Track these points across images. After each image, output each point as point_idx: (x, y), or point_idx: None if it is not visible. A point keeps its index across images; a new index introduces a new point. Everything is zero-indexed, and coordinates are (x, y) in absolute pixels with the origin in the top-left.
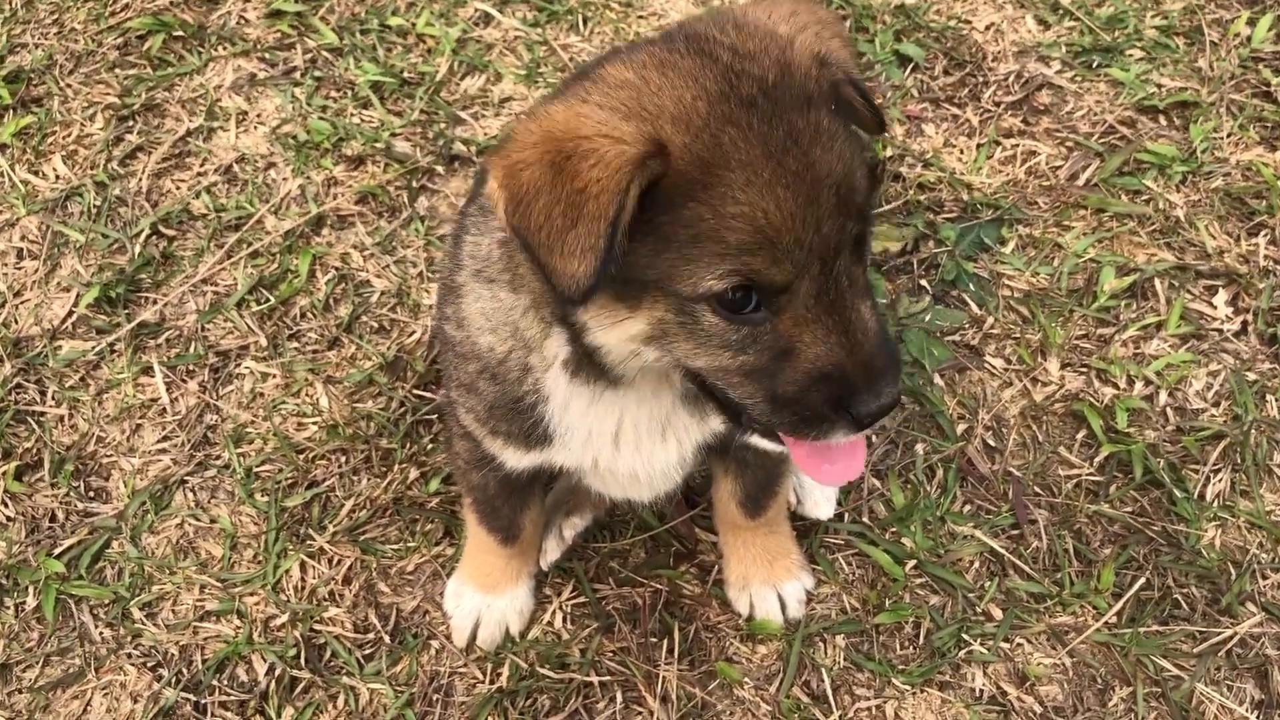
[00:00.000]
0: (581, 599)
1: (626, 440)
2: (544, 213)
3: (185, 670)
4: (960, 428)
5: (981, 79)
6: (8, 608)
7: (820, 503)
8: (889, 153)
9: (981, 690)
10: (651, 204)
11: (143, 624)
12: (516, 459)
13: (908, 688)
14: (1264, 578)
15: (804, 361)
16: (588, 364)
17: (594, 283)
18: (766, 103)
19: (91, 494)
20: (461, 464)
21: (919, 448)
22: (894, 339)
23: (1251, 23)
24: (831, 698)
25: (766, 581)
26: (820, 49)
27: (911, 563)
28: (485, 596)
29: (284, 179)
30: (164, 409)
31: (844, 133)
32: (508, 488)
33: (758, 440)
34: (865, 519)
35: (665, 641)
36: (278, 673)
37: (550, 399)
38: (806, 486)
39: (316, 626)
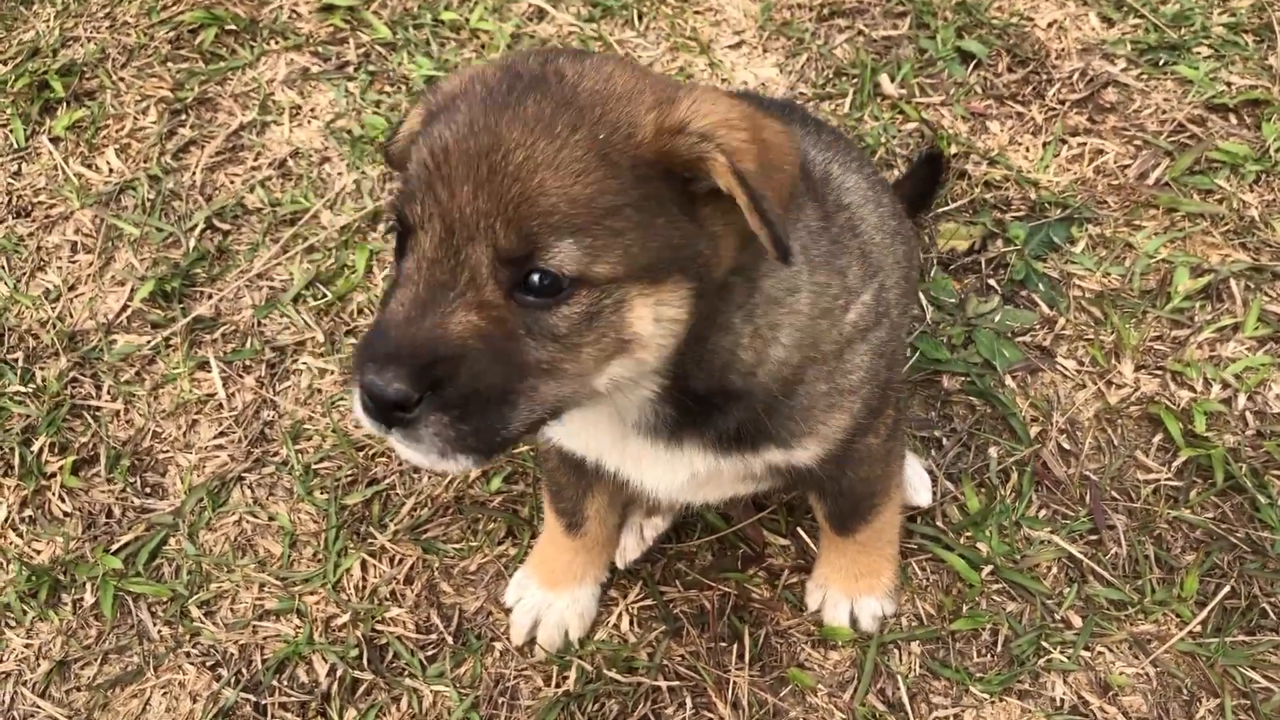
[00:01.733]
0: (649, 601)
1: (607, 455)
2: None
3: (245, 670)
4: (1033, 430)
5: (1045, 76)
6: (66, 604)
7: (919, 489)
8: (953, 150)
9: (1062, 699)
10: None
11: (201, 622)
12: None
13: (986, 696)
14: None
15: (381, 312)
16: None
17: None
18: (527, 89)
19: (148, 490)
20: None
21: (992, 451)
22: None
23: None
24: (908, 705)
25: (845, 592)
26: (706, 125)
27: (988, 568)
28: (547, 594)
29: (339, 174)
30: (220, 404)
31: (567, 164)
32: (568, 465)
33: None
34: (939, 523)
35: (735, 646)
36: (339, 673)
37: None
38: (905, 474)
39: (378, 627)
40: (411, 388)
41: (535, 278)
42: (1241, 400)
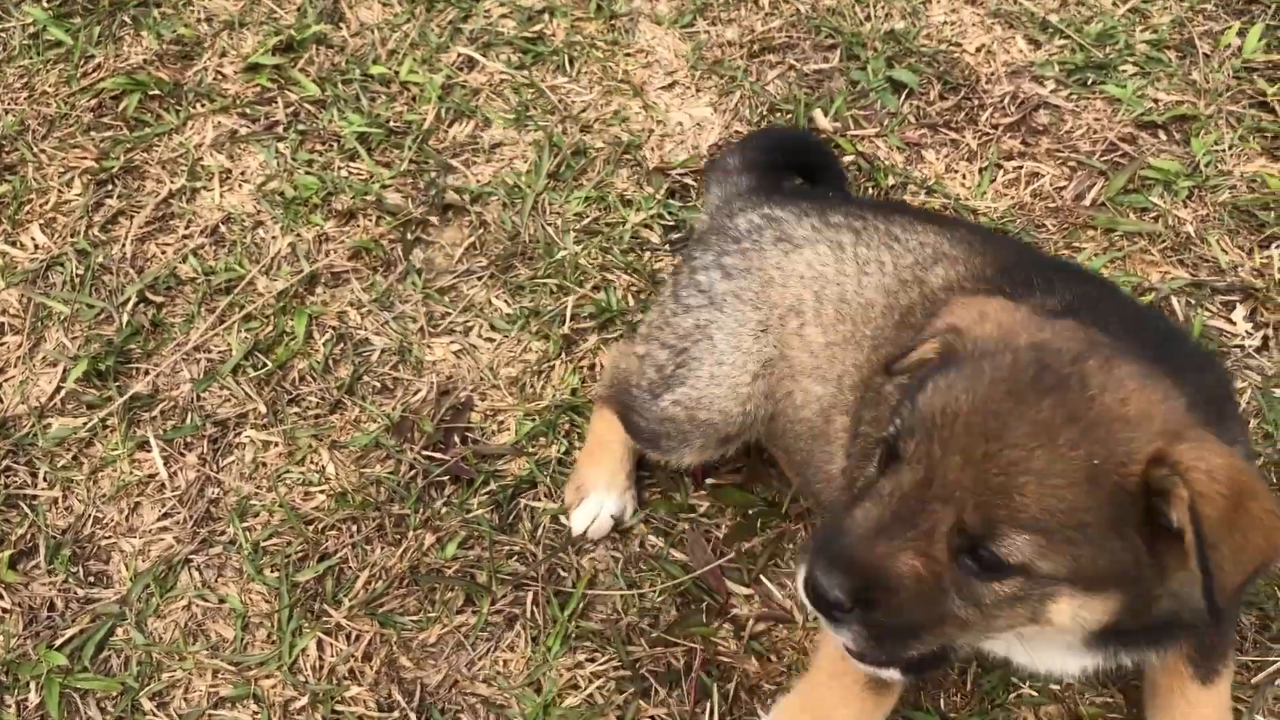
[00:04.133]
0: (615, 663)
1: None
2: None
3: None
4: None
5: (977, 102)
6: (9, 706)
7: None
8: (890, 181)
9: None
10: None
11: (154, 715)
12: None
13: None
14: None
15: (851, 508)
16: None
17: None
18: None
19: (91, 579)
20: None
21: None
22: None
23: (1242, 34)
24: None
25: None
26: (1186, 459)
27: None
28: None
29: (273, 237)
30: (163, 484)
31: (1054, 477)
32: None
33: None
34: None
35: (706, 704)
36: None
37: None
38: None
39: (338, 708)
40: (847, 599)
41: (985, 553)
42: None
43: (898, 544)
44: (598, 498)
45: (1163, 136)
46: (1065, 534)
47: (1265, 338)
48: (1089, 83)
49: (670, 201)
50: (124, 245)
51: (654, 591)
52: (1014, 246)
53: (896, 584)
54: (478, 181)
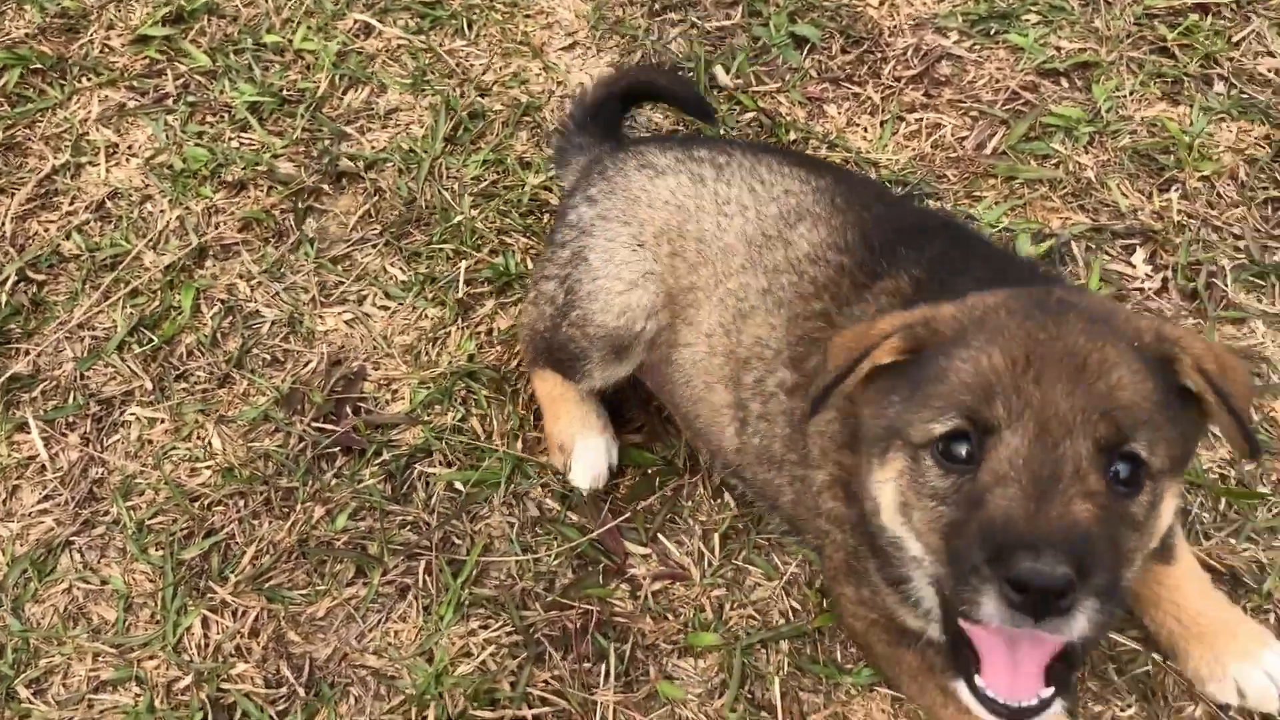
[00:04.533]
0: (509, 629)
1: None
2: (839, 342)
3: None
4: None
5: (880, 55)
6: None
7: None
8: (792, 136)
9: None
10: (914, 364)
11: (31, 703)
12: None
13: (856, 690)
14: (1207, 537)
15: (984, 510)
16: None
17: (827, 392)
18: (1058, 309)
19: None
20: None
21: None
22: (1099, 541)
23: None
24: (779, 706)
25: (1245, 655)
26: (1172, 333)
27: None
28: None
29: (161, 211)
30: (43, 466)
31: (1129, 363)
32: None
33: (961, 689)
34: None
35: (601, 665)
36: None
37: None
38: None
39: (224, 685)
40: (1072, 569)
41: (1121, 468)
42: None
43: (1064, 500)
44: (584, 444)
45: (1064, 84)
46: (1161, 419)
47: (1164, 279)
48: (992, 33)
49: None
50: (3, 223)
51: (550, 555)
52: (872, 195)
53: (1093, 536)
54: (373, 148)
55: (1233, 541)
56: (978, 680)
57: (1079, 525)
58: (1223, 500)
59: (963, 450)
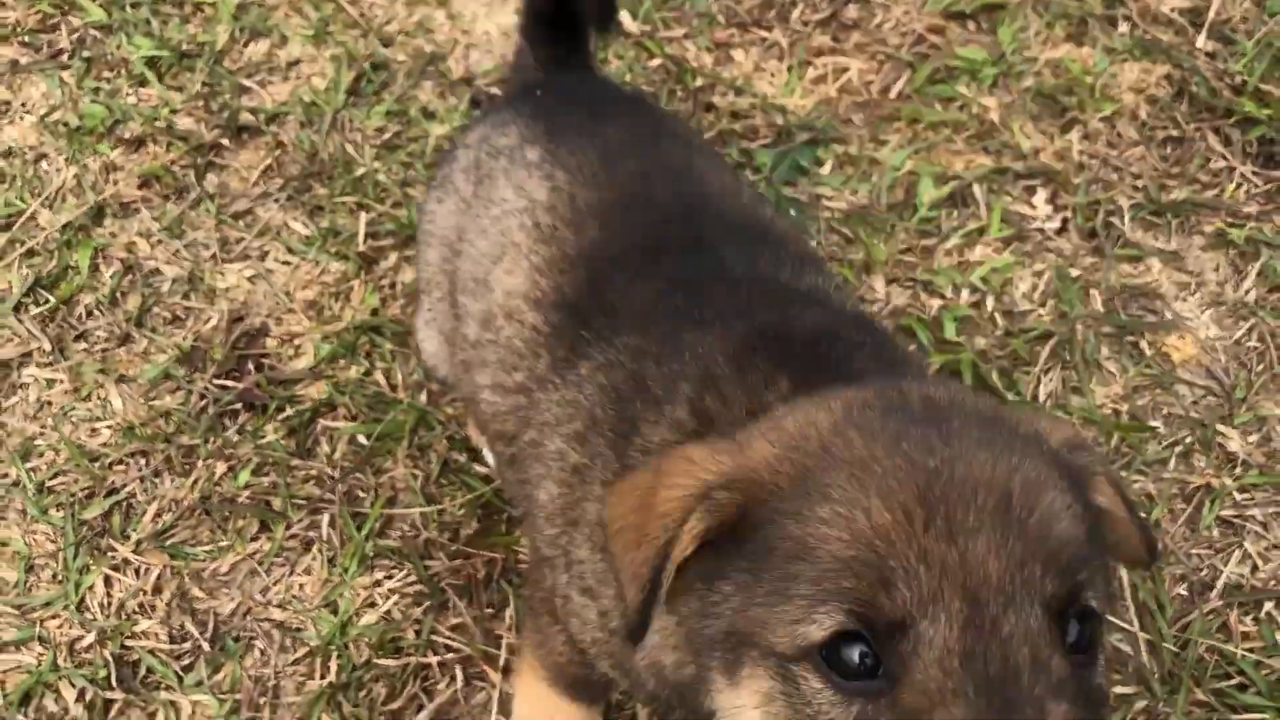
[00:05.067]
0: (413, 578)
1: None
2: (624, 537)
3: None
4: None
5: None
6: None
7: None
8: (699, 82)
9: None
10: (742, 528)
11: None
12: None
13: None
14: None
15: None
16: None
17: (642, 619)
18: (933, 415)
19: None
20: (559, 655)
21: None
22: None
23: None
24: None
25: None
26: (1077, 438)
27: None
28: None
29: (57, 170)
30: None
31: (1056, 485)
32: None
33: None
34: None
35: (505, 611)
36: (89, 697)
37: None
38: None
39: (128, 643)
40: None
41: (1073, 630)
42: (990, 302)
43: (1034, 706)
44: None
45: (971, 26)
46: (1093, 556)
47: (1064, 219)
48: None
49: (475, 113)
50: None
51: (454, 506)
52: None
53: None
54: (274, 101)
55: (1124, 474)
56: None
57: None
58: (1115, 435)
59: (856, 655)
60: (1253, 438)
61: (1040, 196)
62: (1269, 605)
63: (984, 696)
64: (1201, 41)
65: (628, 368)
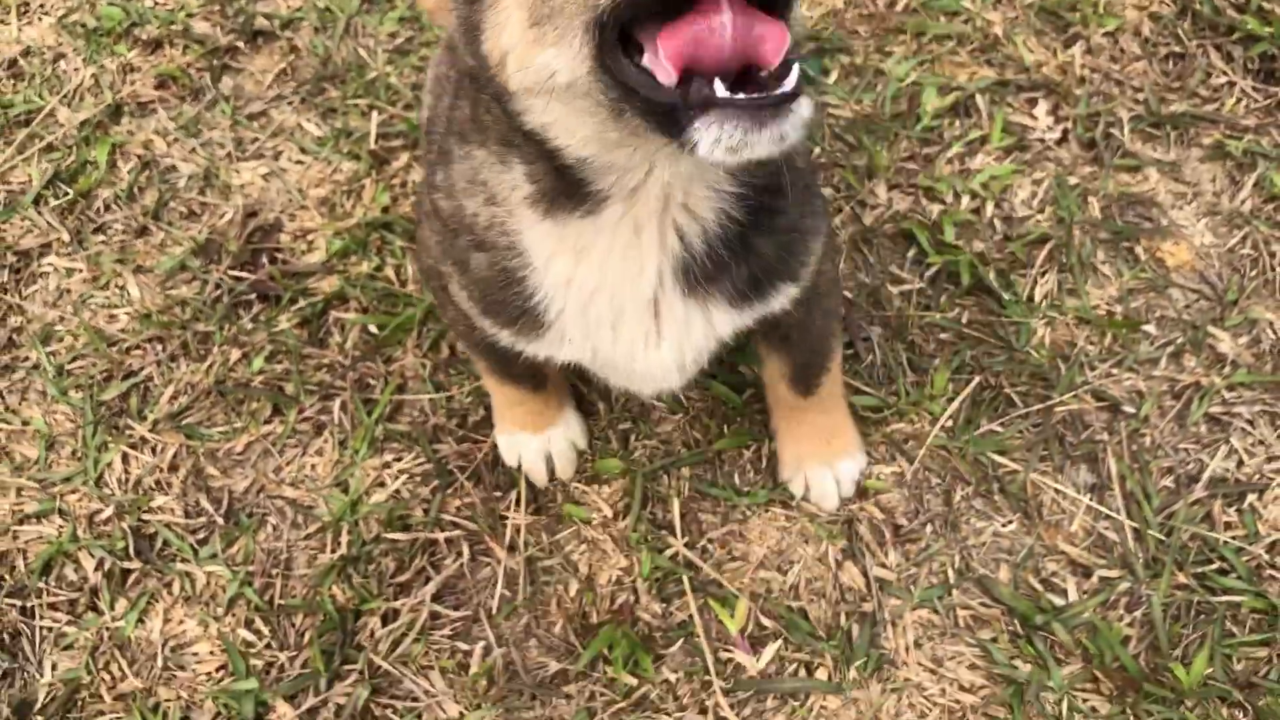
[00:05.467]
0: (422, 459)
1: (624, 325)
2: None
3: (8, 576)
4: None
5: None
6: None
7: None
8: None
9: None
10: None
11: None
12: (511, 342)
13: (751, 509)
14: (1092, 369)
15: None
16: (542, 178)
17: None
18: None
19: None
20: (462, 328)
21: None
22: None
23: None
24: (678, 526)
25: (823, 460)
26: None
27: (749, 390)
28: (535, 437)
29: (75, 69)
30: None
31: None
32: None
33: (701, 131)
34: None
35: (512, 493)
36: (108, 566)
37: (532, 262)
38: None
39: (145, 517)
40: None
41: None
42: (989, 208)
43: None
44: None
45: None
46: None
47: (1065, 130)
48: None
49: None
50: None
51: (462, 394)
52: None
53: None
54: (289, 7)
55: (1115, 372)
56: (720, 91)
57: None
58: (1109, 334)
59: None
60: (1243, 339)
61: (1041, 108)
62: (1252, 497)
63: None
64: None
65: None
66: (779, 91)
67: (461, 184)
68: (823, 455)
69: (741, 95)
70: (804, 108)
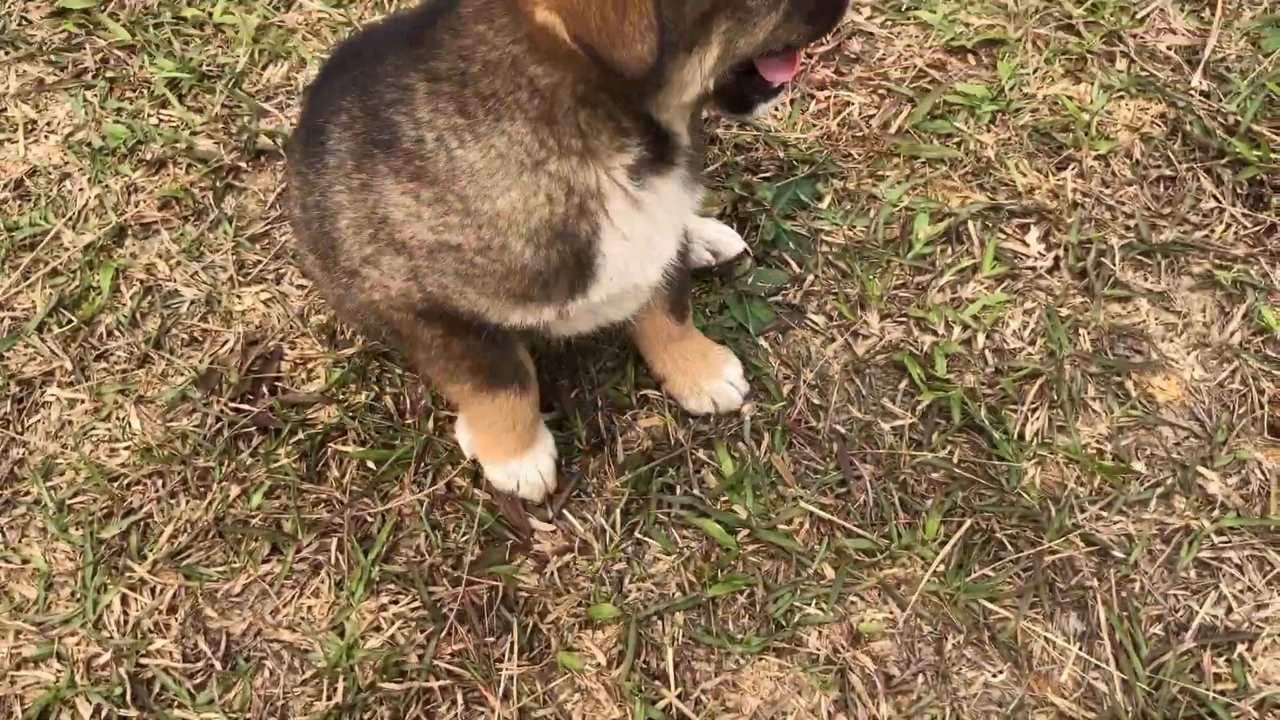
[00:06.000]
0: (417, 603)
1: (660, 238)
2: (598, 15)
3: None
4: (786, 388)
5: None
6: None
7: (730, 243)
8: (704, 115)
9: (818, 652)
10: None
11: None
12: (537, 315)
13: (745, 658)
14: (1082, 510)
15: None
16: (654, 150)
17: (660, 56)
18: None
19: None
20: (438, 346)
21: (745, 410)
22: None
23: None
24: (672, 674)
25: (712, 374)
26: None
27: (744, 531)
28: (528, 458)
29: (80, 189)
30: None
31: None
32: (499, 343)
33: (761, 107)
34: (696, 491)
35: (506, 638)
36: (105, 714)
37: (603, 230)
38: (715, 238)
39: (143, 660)
40: None
41: None
42: (980, 339)
43: None
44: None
45: (971, 61)
46: None
47: (1056, 258)
48: (904, 8)
49: None
50: None
51: (458, 533)
52: None
53: None
54: (291, 125)
55: (1105, 514)
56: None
57: None
58: (1098, 476)
59: None
60: (1232, 480)
61: (1033, 234)
62: (1241, 647)
63: None
64: (1196, 80)
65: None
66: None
67: (519, 215)
68: (711, 371)
69: (777, 86)
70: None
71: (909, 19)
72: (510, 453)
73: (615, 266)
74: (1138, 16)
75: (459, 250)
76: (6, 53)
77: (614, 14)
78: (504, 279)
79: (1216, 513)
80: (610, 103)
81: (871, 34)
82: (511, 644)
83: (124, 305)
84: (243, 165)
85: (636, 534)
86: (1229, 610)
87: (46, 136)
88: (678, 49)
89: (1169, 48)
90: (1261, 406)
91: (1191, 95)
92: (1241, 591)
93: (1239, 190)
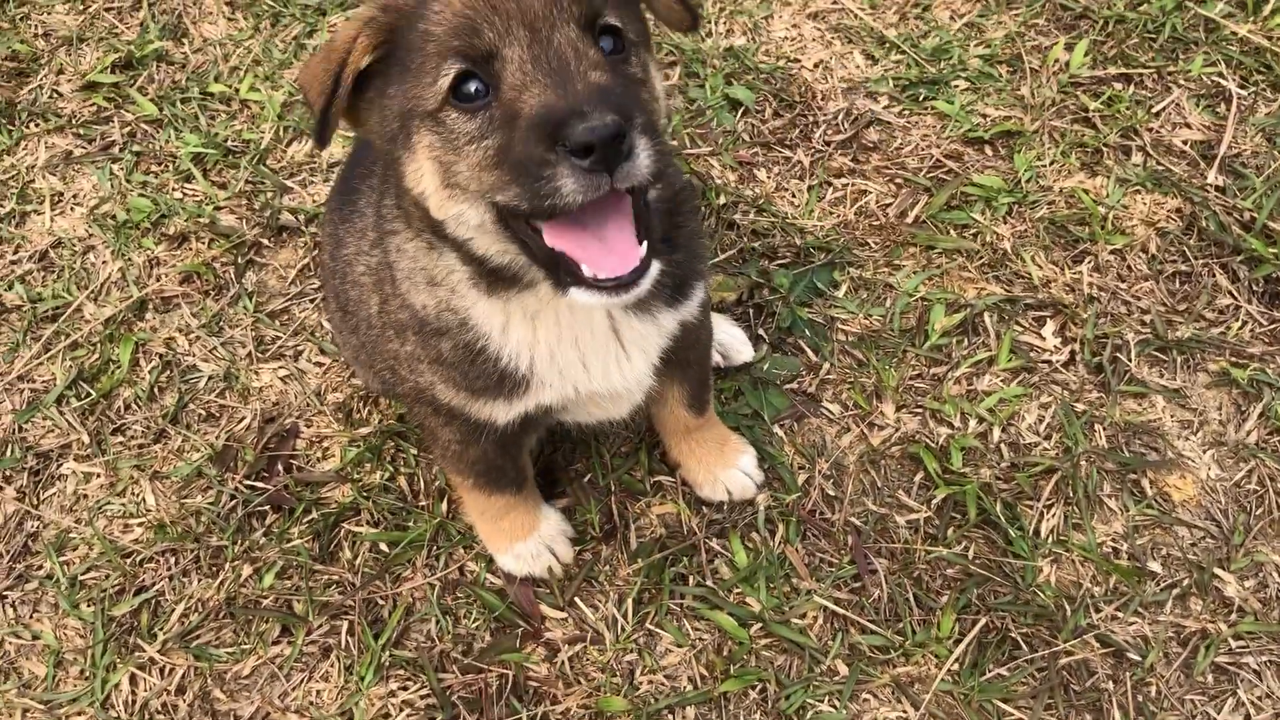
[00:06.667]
0: (426, 691)
1: (593, 359)
2: (311, 72)
3: None
4: (801, 478)
5: (812, 118)
6: None
7: (741, 348)
8: (722, 200)
9: None
10: (396, 51)
11: None
12: (505, 412)
13: None
14: (1097, 610)
15: (523, 118)
16: (474, 266)
17: (324, 119)
18: None
19: None
20: (454, 450)
21: (760, 499)
22: (622, 93)
23: (1069, 48)
24: None
25: (728, 464)
26: None
27: (756, 625)
28: (533, 542)
29: (103, 262)
30: None
31: None
32: (505, 445)
33: (576, 294)
34: (709, 581)
35: None
36: None
37: (489, 333)
38: (726, 342)
39: None
40: (621, 117)
41: (605, 43)
42: (996, 433)
43: (580, 73)
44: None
45: (988, 152)
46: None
47: (1072, 352)
48: (921, 98)
49: None
50: None
51: (469, 619)
52: None
53: (616, 90)
54: (314, 201)
55: (1121, 615)
56: (587, 273)
57: (602, 85)
58: (1113, 575)
59: (473, 88)
60: (1249, 583)
61: (1049, 328)
62: None
63: (549, 77)
64: (1212, 176)
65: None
66: (629, 271)
67: (404, 279)
68: (726, 461)
69: (604, 276)
70: (653, 270)
71: (926, 109)
72: (513, 537)
73: (544, 371)
74: (1153, 110)
75: (427, 345)
76: (37, 124)
77: (320, 70)
78: (445, 371)
79: (1234, 616)
80: (413, 209)
81: (889, 123)
82: None
83: (142, 379)
84: (264, 241)
85: (648, 624)
86: (1247, 717)
87: (72, 209)
88: (396, 143)
89: (1185, 142)
90: (1278, 508)
91: (1207, 190)
92: (1260, 698)
93: (1255, 287)
